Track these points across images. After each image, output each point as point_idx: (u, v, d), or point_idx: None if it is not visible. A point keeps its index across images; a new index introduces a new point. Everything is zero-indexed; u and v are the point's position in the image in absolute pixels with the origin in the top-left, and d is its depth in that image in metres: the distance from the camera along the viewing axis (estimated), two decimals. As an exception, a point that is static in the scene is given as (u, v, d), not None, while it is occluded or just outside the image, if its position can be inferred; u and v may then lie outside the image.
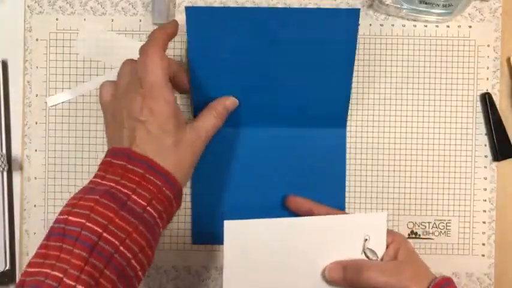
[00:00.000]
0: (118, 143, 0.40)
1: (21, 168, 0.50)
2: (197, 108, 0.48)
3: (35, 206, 0.50)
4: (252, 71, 0.47)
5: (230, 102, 0.46)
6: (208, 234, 0.50)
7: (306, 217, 0.44)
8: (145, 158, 0.38)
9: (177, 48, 0.51)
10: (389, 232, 0.45)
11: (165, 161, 0.39)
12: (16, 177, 0.50)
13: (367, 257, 0.43)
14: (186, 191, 0.51)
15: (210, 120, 0.44)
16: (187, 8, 0.45)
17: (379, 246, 0.44)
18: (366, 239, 0.43)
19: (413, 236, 0.51)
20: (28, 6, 0.50)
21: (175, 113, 0.40)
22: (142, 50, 0.41)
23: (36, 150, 0.50)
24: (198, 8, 0.47)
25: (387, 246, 0.44)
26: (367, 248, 0.43)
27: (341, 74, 0.47)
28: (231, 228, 0.42)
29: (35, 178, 0.50)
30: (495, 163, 0.51)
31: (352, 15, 0.45)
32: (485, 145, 0.51)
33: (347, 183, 0.51)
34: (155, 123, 0.39)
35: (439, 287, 0.41)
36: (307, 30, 0.46)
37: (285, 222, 0.43)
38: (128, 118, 0.40)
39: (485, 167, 0.51)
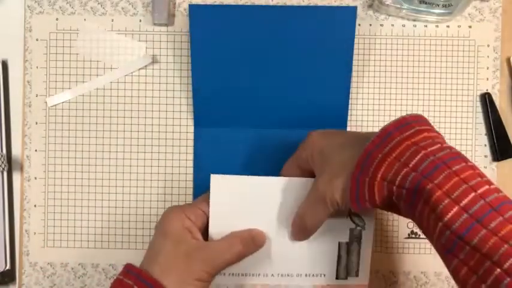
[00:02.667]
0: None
1: (21, 168, 0.50)
2: (197, 107, 0.48)
3: (35, 206, 0.50)
4: (253, 70, 0.47)
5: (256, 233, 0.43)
6: None
7: (289, 178, 0.43)
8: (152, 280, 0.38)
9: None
10: (300, 147, 0.43)
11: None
12: (16, 177, 0.50)
13: (356, 224, 0.43)
14: (188, 191, 0.51)
15: (233, 246, 0.41)
16: (190, 6, 0.45)
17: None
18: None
19: (413, 236, 0.51)
20: (28, 6, 0.50)
21: (184, 231, 0.40)
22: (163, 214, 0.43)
23: (36, 150, 0.50)
24: (202, 6, 0.47)
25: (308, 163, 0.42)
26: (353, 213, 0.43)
27: (340, 72, 0.47)
28: (217, 182, 0.42)
29: (35, 178, 0.50)
30: (495, 163, 0.51)
31: (349, 13, 0.45)
32: (485, 145, 0.51)
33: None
34: (169, 244, 0.40)
35: (362, 162, 0.35)
36: (305, 28, 0.46)
37: (270, 181, 0.43)
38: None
39: (485, 167, 0.51)
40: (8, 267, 0.49)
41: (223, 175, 0.42)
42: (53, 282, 0.50)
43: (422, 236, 0.51)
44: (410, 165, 0.33)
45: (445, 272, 0.51)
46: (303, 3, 0.50)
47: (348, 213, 0.43)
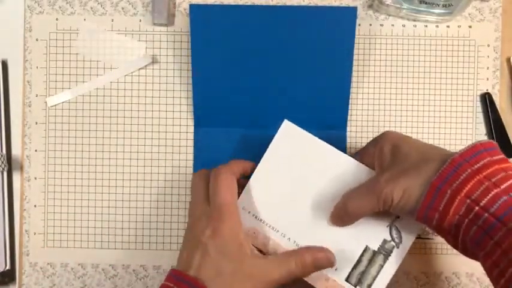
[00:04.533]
0: (179, 265, 0.39)
1: (21, 168, 0.50)
2: (197, 107, 0.48)
3: (35, 206, 0.50)
4: (253, 70, 0.47)
5: (322, 255, 0.40)
6: None
7: (354, 160, 0.42)
8: (199, 284, 0.36)
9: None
10: (373, 140, 0.42)
11: None
12: (16, 177, 0.50)
13: (392, 238, 0.41)
14: (188, 191, 0.51)
15: (288, 265, 0.38)
16: (191, 6, 0.45)
17: None
18: None
19: (417, 236, 0.51)
20: (28, 6, 0.50)
21: (238, 239, 0.38)
22: (215, 173, 0.41)
23: (36, 150, 0.50)
24: (202, 6, 0.47)
25: (374, 156, 0.41)
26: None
27: (340, 72, 0.47)
28: (287, 129, 0.43)
29: (35, 178, 0.50)
30: (495, 163, 0.51)
31: (350, 13, 0.45)
32: (485, 145, 0.51)
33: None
34: (216, 246, 0.37)
35: (448, 173, 0.34)
36: (306, 29, 0.46)
37: (335, 153, 0.43)
38: (191, 239, 0.39)
39: (485, 167, 0.51)
40: (8, 267, 0.49)
41: (295, 126, 0.43)
42: (52, 283, 0.50)
43: (423, 236, 0.51)
44: (502, 187, 0.32)
45: (445, 272, 0.51)
46: (303, 3, 0.50)
47: (390, 223, 0.41)
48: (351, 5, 0.51)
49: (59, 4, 0.50)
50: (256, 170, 0.43)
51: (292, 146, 0.43)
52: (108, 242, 0.50)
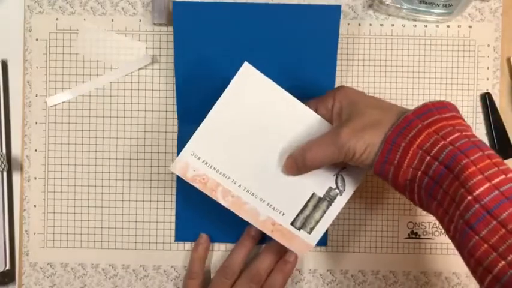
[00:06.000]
0: None
1: (21, 168, 0.50)
2: (181, 105, 0.49)
3: (35, 206, 0.50)
4: (237, 68, 0.47)
5: None
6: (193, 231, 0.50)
7: (311, 111, 0.42)
8: None
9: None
10: (330, 94, 0.42)
11: None
12: (16, 177, 0.50)
13: (337, 186, 0.43)
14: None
15: None
16: (174, 3, 0.45)
17: None
18: None
19: (413, 236, 0.51)
20: (28, 6, 0.50)
21: None
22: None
23: (36, 150, 0.50)
24: (185, 3, 0.47)
25: (332, 110, 0.42)
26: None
27: (325, 71, 0.48)
28: (246, 71, 0.41)
29: (35, 178, 0.50)
30: (495, 163, 0.51)
31: (334, 11, 0.46)
32: (486, 145, 0.51)
33: (347, 183, 0.51)
34: None
35: (401, 128, 0.37)
36: (291, 26, 0.47)
37: (292, 102, 0.42)
38: None
39: (486, 167, 0.51)
40: (8, 268, 0.49)
41: (256, 69, 0.42)
42: (52, 283, 0.50)
43: (423, 236, 0.51)
44: (448, 140, 0.35)
45: (445, 272, 0.51)
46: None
47: (337, 172, 0.43)
48: (351, 5, 0.51)
49: (58, 4, 0.50)
50: (209, 113, 0.41)
51: (250, 90, 0.42)
52: (108, 242, 0.50)
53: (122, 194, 0.50)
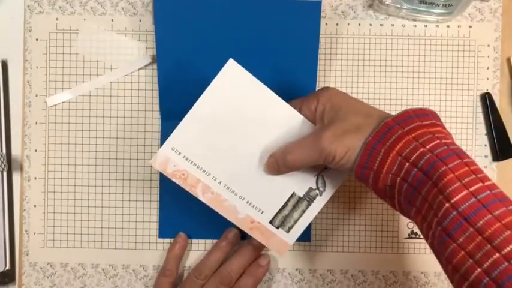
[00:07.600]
0: None
1: (21, 168, 0.50)
2: (164, 100, 0.49)
3: (35, 206, 0.50)
4: (219, 61, 0.46)
5: None
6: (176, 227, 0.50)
7: (295, 111, 0.42)
8: None
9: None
10: (314, 95, 0.42)
11: None
12: (16, 177, 0.50)
13: (317, 187, 0.43)
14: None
15: None
16: None
17: None
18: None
19: (413, 236, 0.51)
20: (28, 6, 0.50)
21: None
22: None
23: (36, 150, 0.50)
24: None
25: (315, 112, 0.42)
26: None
27: (307, 66, 0.48)
28: (231, 68, 0.41)
29: (35, 178, 0.50)
30: (495, 163, 0.51)
31: (314, 7, 0.46)
32: (485, 145, 0.51)
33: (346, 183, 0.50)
34: None
35: (381, 134, 0.37)
36: (272, 21, 0.47)
37: (276, 100, 0.42)
38: None
39: (485, 167, 0.51)
40: (8, 267, 0.49)
41: (240, 66, 0.41)
42: (52, 283, 0.50)
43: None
44: (428, 147, 0.35)
45: (445, 272, 0.51)
46: None
47: (318, 173, 0.43)
48: (351, 5, 0.51)
49: (59, 4, 0.50)
50: (192, 109, 0.41)
51: (234, 87, 0.41)
52: (108, 242, 0.50)
53: (122, 194, 0.50)
